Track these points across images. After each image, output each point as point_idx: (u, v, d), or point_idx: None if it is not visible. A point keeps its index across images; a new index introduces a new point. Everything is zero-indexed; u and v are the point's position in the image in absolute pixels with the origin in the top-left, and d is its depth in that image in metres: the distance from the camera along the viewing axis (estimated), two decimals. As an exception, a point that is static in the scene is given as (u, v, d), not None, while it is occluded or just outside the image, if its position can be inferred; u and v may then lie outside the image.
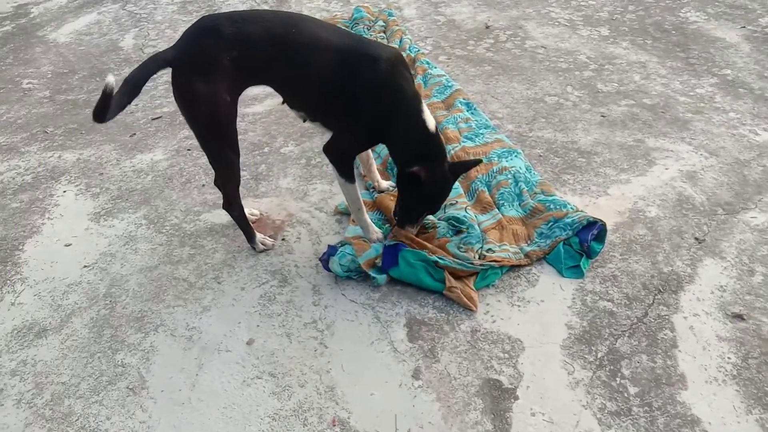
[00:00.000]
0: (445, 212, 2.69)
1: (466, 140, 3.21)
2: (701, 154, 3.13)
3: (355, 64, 2.19)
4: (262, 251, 2.65)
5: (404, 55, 4.05)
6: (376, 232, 2.57)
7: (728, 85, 3.74)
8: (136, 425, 2.01)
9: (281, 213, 2.88)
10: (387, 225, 2.68)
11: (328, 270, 2.48)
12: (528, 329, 2.25)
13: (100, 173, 3.27)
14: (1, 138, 3.67)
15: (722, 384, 2.03)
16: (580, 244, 2.48)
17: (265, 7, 5.25)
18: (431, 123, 2.25)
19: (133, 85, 2.12)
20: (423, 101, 2.26)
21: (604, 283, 2.42)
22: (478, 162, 2.48)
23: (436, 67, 3.98)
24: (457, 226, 2.59)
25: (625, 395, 2.01)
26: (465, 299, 2.32)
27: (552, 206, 2.66)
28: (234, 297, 2.45)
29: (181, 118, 2.36)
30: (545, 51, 4.25)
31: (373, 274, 2.43)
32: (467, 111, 3.47)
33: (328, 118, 2.39)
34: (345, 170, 2.39)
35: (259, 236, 2.64)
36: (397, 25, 4.51)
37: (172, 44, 2.28)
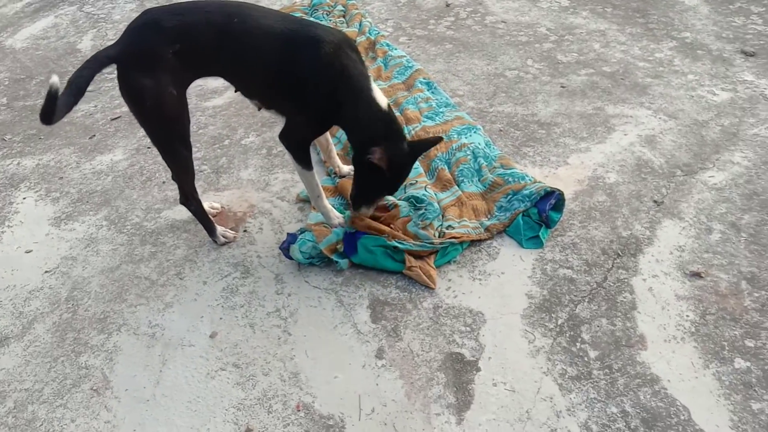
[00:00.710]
0: (405, 192, 2.68)
1: (426, 120, 3.20)
2: (660, 118, 3.14)
3: (298, 48, 2.17)
4: (223, 244, 2.64)
5: (364, 38, 4.05)
6: (338, 217, 2.56)
7: (687, 47, 3.75)
8: (101, 425, 2.01)
9: (243, 205, 2.87)
10: (347, 210, 2.68)
11: (290, 258, 2.48)
12: (489, 302, 2.26)
13: (60, 177, 3.24)
14: (-40, 149, 3.62)
15: (681, 342, 2.05)
16: (538, 215, 2.49)
17: None
18: (382, 101, 2.21)
19: (77, 86, 2.08)
20: (372, 80, 2.24)
21: (563, 251, 2.43)
22: (438, 140, 2.40)
23: (396, 49, 3.96)
24: (417, 206, 2.59)
25: (585, 359, 2.03)
26: (425, 277, 2.33)
27: (510, 179, 2.67)
28: (196, 292, 2.44)
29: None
30: (505, 26, 4.23)
31: (335, 259, 2.43)
32: (428, 90, 3.46)
33: (279, 104, 2.37)
34: (301, 156, 2.37)
35: (219, 229, 2.63)
36: (356, 8, 4.47)
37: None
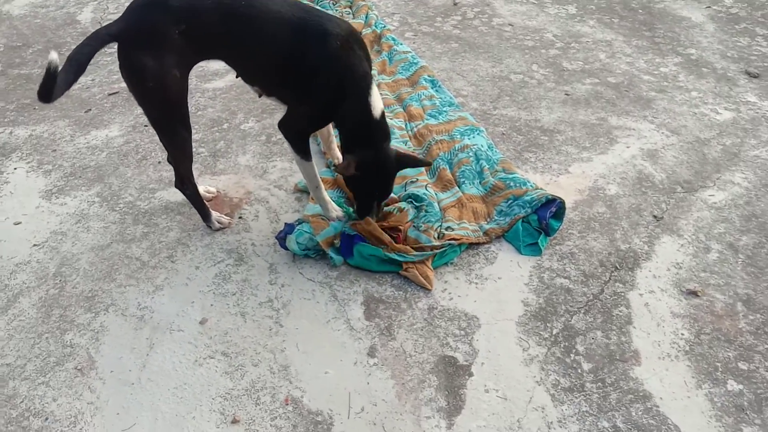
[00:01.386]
0: (405, 190, 2.66)
1: (429, 118, 3.17)
2: (663, 133, 3.14)
3: (306, 38, 2.13)
4: (218, 230, 2.59)
5: (370, 31, 4.01)
6: (335, 209, 2.53)
7: (692, 64, 3.75)
8: (84, 406, 1.96)
9: (239, 191, 2.82)
10: (350, 208, 2.63)
11: (285, 248, 2.44)
12: (485, 306, 2.24)
13: (53, 150, 3.16)
14: (-50, 113, 3.53)
15: (674, 360, 2.05)
16: (538, 222, 2.48)
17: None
18: (377, 107, 2.20)
19: (78, 63, 2.02)
20: (373, 81, 2.22)
21: (561, 261, 2.42)
22: (427, 164, 2.56)
23: (402, 44, 3.92)
24: (417, 205, 2.56)
25: (579, 371, 2.02)
26: (421, 278, 2.30)
27: (512, 184, 2.65)
28: (188, 276, 2.40)
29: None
30: (512, 29, 4.21)
31: (330, 254, 2.40)
32: (432, 88, 3.43)
33: (281, 92, 2.33)
34: (300, 147, 2.34)
35: (214, 214, 2.58)
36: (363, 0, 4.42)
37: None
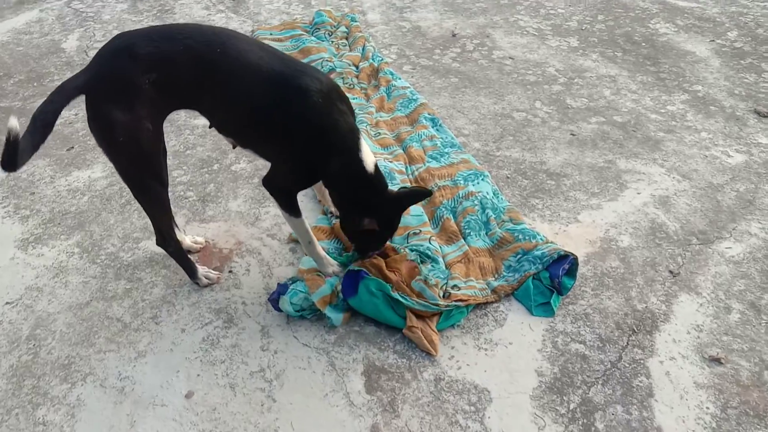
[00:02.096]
0: (408, 242, 2.50)
1: (431, 160, 3.02)
2: (674, 177, 3.01)
3: (286, 94, 1.96)
4: (206, 286, 2.41)
5: (367, 64, 3.87)
6: (332, 264, 2.36)
7: (699, 102, 3.64)
8: (55, 497, 1.77)
9: (229, 240, 2.65)
10: (346, 253, 2.48)
11: (278, 310, 2.27)
12: (496, 376, 2.07)
13: (32, 192, 2.98)
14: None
15: (702, 439, 1.89)
16: (550, 280, 2.32)
17: (221, 8, 4.98)
18: (369, 162, 2.07)
19: (43, 123, 1.83)
20: (361, 136, 2.08)
21: (575, 323, 2.26)
22: (428, 194, 2.33)
23: (400, 78, 3.79)
24: (422, 260, 2.40)
25: (600, 454, 1.85)
26: (426, 342, 2.14)
27: (521, 236, 2.50)
28: (173, 340, 2.21)
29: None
30: (513, 62, 4.09)
31: (328, 314, 2.23)
32: (432, 127, 3.29)
33: (259, 147, 2.17)
34: (287, 204, 2.19)
35: (201, 270, 2.40)
36: (360, 31, 4.29)
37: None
